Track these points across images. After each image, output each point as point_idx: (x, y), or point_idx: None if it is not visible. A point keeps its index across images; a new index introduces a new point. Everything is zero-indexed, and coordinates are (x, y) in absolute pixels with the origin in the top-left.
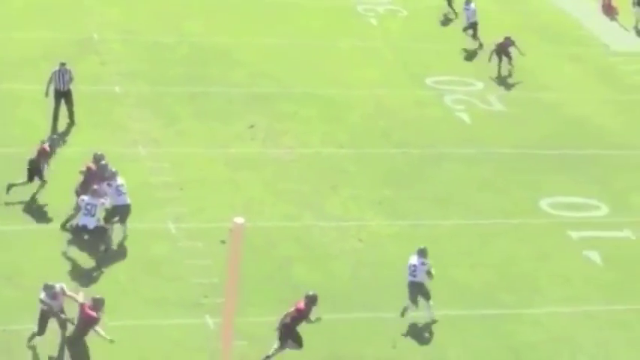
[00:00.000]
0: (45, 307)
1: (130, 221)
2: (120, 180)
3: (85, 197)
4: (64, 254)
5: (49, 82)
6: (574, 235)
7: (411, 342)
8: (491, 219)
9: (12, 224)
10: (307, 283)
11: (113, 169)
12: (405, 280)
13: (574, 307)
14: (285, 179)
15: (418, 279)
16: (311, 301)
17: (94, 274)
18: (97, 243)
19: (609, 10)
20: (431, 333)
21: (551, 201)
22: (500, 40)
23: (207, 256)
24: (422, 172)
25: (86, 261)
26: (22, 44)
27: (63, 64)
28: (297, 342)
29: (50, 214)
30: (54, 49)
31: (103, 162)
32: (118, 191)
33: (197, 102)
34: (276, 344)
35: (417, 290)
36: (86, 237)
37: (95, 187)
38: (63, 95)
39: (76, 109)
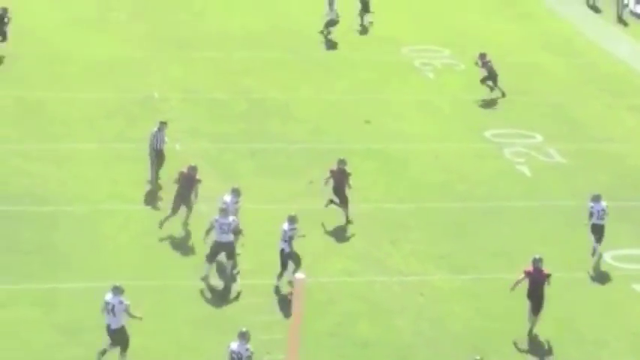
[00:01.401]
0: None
1: (193, 278)
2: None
3: (217, 217)
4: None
5: (151, 139)
6: (638, 288)
7: None
8: (553, 272)
9: (73, 282)
10: (369, 338)
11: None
12: (470, 336)
13: None
14: (346, 234)
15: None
16: None
17: (156, 330)
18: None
19: None
20: None
21: (614, 253)
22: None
23: (270, 313)
24: (483, 226)
25: (148, 317)
26: (85, 104)
27: (163, 123)
28: None
29: (111, 272)
30: (116, 108)
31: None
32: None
33: (257, 158)
34: None
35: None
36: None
37: (223, 206)
38: (158, 153)
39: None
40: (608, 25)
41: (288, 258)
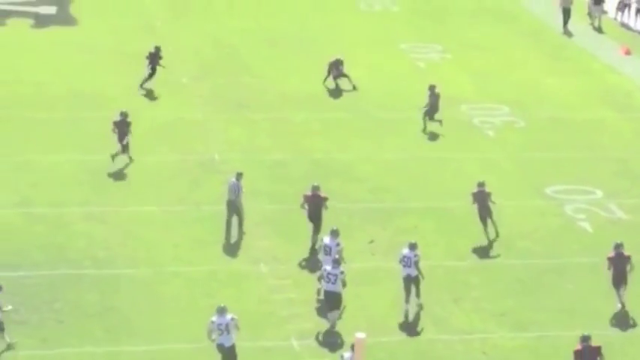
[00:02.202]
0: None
1: (253, 339)
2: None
3: (327, 267)
4: None
5: (229, 192)
6: None
7: None
8: (617, 329)
9: (135, 345)
10: None
11: None
12: None
13: None
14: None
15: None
16: None
17: None
18: None
19: None
20: None
21: None
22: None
23: None
24: (545, 283)
25: None
26: (148, 167)
27: (239, 174)
28: None
29: (172, 335)
30: (178, 170)
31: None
32: None
33: None
34: None
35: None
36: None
37: (337, 256)
38: (233, 206)
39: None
40: None
41: (414, 281)
